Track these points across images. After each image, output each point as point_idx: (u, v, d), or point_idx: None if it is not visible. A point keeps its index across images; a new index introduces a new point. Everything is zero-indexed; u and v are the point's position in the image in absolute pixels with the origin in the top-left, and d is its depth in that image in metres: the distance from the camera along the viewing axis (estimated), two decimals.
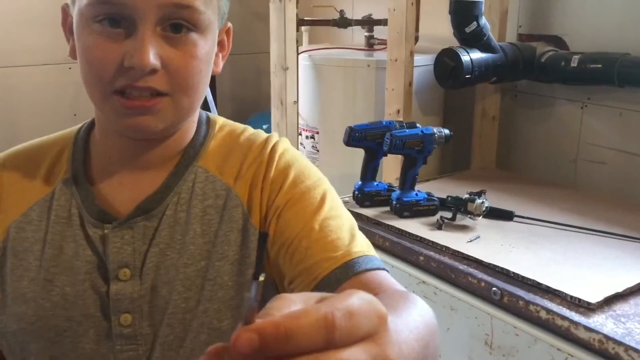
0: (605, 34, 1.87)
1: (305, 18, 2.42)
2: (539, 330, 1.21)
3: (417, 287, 1.45)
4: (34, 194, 0.80)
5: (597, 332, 1.11)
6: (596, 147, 1.95)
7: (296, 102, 2.06)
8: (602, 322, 1.13)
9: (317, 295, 0.38)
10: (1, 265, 0.79)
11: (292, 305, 0.36)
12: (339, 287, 0.71)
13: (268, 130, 2.16)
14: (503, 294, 1.27)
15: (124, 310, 0.76)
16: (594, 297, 1.19)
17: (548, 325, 1.19)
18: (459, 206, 1.56)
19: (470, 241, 1.46)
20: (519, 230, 1.54)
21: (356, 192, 1.71)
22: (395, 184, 1.76)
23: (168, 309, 0.76)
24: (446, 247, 1.44)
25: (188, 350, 0.77)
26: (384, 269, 0.75)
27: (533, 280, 1.27)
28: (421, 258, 1.45)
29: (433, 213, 1.62)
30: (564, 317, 1.16)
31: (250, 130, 0.87)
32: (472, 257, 1.39)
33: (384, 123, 1.67)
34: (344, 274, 0.72)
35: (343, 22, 2.38)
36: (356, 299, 0.35)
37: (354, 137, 1.64)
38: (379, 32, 2.38)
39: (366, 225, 1.61)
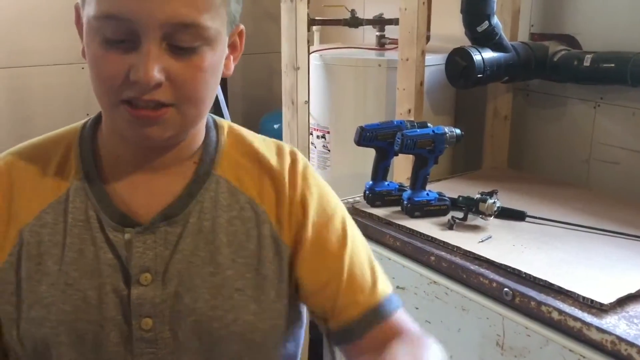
0: (619, 33, 1.86)
1: (317, 18, 2.42)
2: (551, 331, 1.20)
3: (428, 288, 1.45)
4: (46, 195, 0.79)
5: (610, 333, 1.10)
6: (609, 147, 1.94)
7: (307, 101, 2.06)
8: (615, 323, 1.13)
9: None
10: (15, 270, 0.78)
11: None
12: (370, 332, 0.82)
13: (279, 130, 2.18)
14: (515, 294, 1.26)
15: (145, 314, 0.76)
16: (606, 298, 1.18)
17: (560, 326, 1.18)
18: (470, 206, 1.55)
19: (482, 241, 1.46)
20: (531, 230, 1.53)
21: (367, 192, 1.71)
22: (406, 183, 1.76)
23: (192, 316, 0.77)
24: (457, 247, 1.44)
25: (218, 359, 0.79)
26: (400, 306, 0.86)
27: (545, 280, 1.26)
28: (432, 258, 1.45)
29: (444, 213, 1.61)
30: (576, 318, 1.15)
31: (258, 137, 0.89)
32: (483, 257, 1.38)
33: (395, 123, 1.66)
34: (375, 319, 0.82)
35: (354, 21, 2.38)
36: None
37: (365, 137, 1.63)
38: (390, 31, 2.37)
39: (377, 225, 1.61)
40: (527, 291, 1.25)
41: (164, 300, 0.77)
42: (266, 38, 2.89)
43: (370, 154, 1.70)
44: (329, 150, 2.25)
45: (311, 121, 2.18)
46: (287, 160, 0.85)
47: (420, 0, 1.88)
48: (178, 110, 0.73)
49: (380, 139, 1.64)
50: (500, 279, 1.30)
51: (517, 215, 1.59)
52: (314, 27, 2.67)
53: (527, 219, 1.59)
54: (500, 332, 1.29)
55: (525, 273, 1.30)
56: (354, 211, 1.69)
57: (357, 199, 1.77)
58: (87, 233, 0.77)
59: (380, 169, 1.70)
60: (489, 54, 1.86)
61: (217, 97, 2.38)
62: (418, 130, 1.60)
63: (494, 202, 1.52)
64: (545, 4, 2.06)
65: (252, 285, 0.80)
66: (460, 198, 1.58)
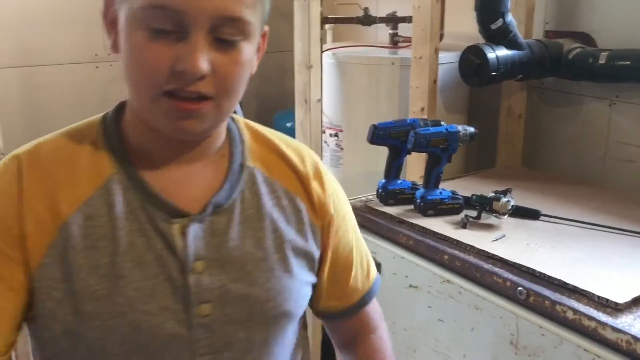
0: (634, 30, 1.84)
1: (330, 16, 2.42)
2: (566, 331, 1.20)
3: (441, 286, 1.44)
4: (84, 189, 0.78)
5: (625, 333, 1.09)
6: (625, 145, 1.92)
7: (320, 100, 2.06)
8: (630, 323, 1.12)
9: None
10: (59, 265, 0.76)
11: None
12: (361, 312, 1.00)
13: (292, 128, 2.18)
14: (529, 293, 1.25)
15: (202, 300, 0.78)
16: (621, 298, 1.17)
17: (575, 326, 1.18)
18: (484, 205, 1.54)
19: (496, 240, 1.45)
20: (546, 229, 1.52)
21: (380, 190, 1.71)
22: (420, 182, 1.75)
23: (247, 300, 0.81)
24: (471, 246, 1.43)
25: (271, 334, 0.85)
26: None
27: (559, 280, 1.25)
28: (445, 257, 1.44)
29: (457, 212, 1.61)
30: (591, 318, 1.15)
31: (272, 132, 0.94)
32: (497, 256, 1.37)
33: (408, 121, 1.66)
34: (365, 302, 1.00)
35: (367, 19, 2.37)
36: None
37: (377, 135, 1.63)
38: (403, 29, 2.37)
39: (390, 223, 1.60)
40: (541, 290, 1.24)
41: (219, 286, 0.79)
42: (279, 36, 2.87)
43: (383, 152, 1.70)
44: (341, 149, 2.25)
45: (324, 119, 2.18)
46: (311, 159, 0.93)
47: None
48: (216, 103, 0.75)
49: (393, 138, 1.64)
50: (514, 278, 1.29)
51: (531, 214, 1.58)
52: (327, 26, 2.68)
53: (542, 217, 1.58)
54: (514, 332, 1.29)
55: (539, 272, 1.29)
56: (366, 210, 1.69)
57: (370, 197, 1.76)
58: (135, 224, 0.78)
59: (393, 168, 1.69)
60: (503, 52, 1.85)
61: None
62: (431, 128, 1.60)
63: (508, 201, 1.51)
64: (560, 1, 2.05)
65: (295, 268, 0.86)
66: (474, 196, 1.58)
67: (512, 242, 1.44)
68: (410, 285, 1.53)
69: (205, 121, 0.75)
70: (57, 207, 0.77)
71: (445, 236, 1.49)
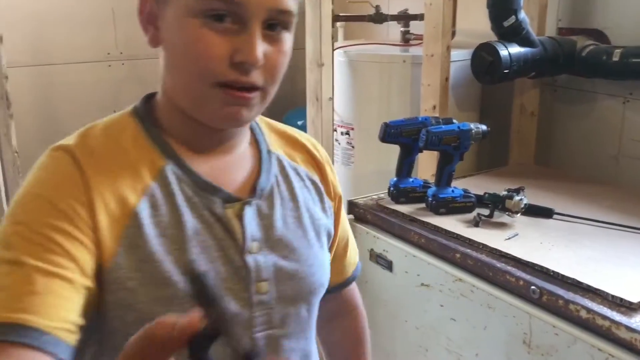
0: None
1: (341, 14, 2.42)
2: (579, 330, 1.19)
3: (453, 285, 1.44)
4: (144, 179, 0.79)
5: (639, 332, 1.09)
6: (638, 143, 1.90)
7: (331, 98, 2.06)
8: None
9: None
10: (132, 254, 0.75)
11: None
12: (348, 288, 1.09)
13: (303, 126, 2.18)
14: (542, 292, 1.25)
15: (260, 279, 0.83)
16: (636, 297, 1.16)
17: (588, 325, 1.17)
18: (496, 203, 1.54)
19: (508, 239, 1.44)
20: (559, 228, 1.52)
21: (391, 189, 1.70)
22: (431, 180, 1.75)
23: (297, 275, 0.86)
24: (483, 244, 1.42)
25: (311, 308, 0.90)
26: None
27: (573, 279, 1.25)
28: (458, 255, 1.44)
29: (470, 210, 1.60)
30: (604, 317, 1.14)
31: (281, 124, 0.99)
32: (510, 255, 1.37)
33: (420, 119, 1.66)
34: (353, 279, 1.09)
35: (379, 17, 2.37)
36: None
37: (389, 133, 1.63)
38: (414, 27, 2.36)
39: (402, 221, 1.60)
40: (554, 289, 1.23)
41: (273, 263, 0.84)
42: None
43: (394, 150, 1.70)
44: (353, 147, 2.25)
45: (335, 118, 2.18)
46: (314, 142, 1.00)
47: None
48: (263, 93, 0.78)
49: (404, 136, 1.63)
50: (527, 277, 1.29)
51: (544, 213, 1.57)
52: (338, 23, 2.67)
53: (555, 216, 1.57)
54: (527, 331, 1.28)
55: (553, 271, 1.28)
56: (378, 208, 1.69)
57: (382, 195, 1.76)
58: (195, 212, 0.80)
59: (405, 166, 1.69)
60: (515, 49, 1.84)
61: None
62: (443, 126, 1.59)
63: (521, 199, 1.51)
64: None
65: (325, 245, 0.93)
66: (487, 195, 1.57)
67: (525, 241, 1.43)
68: (422, 284, 1.52)
69: (253, 110, 0.79)
70: (124, 196, 0.77)
71: (457, 234, 1.48)
